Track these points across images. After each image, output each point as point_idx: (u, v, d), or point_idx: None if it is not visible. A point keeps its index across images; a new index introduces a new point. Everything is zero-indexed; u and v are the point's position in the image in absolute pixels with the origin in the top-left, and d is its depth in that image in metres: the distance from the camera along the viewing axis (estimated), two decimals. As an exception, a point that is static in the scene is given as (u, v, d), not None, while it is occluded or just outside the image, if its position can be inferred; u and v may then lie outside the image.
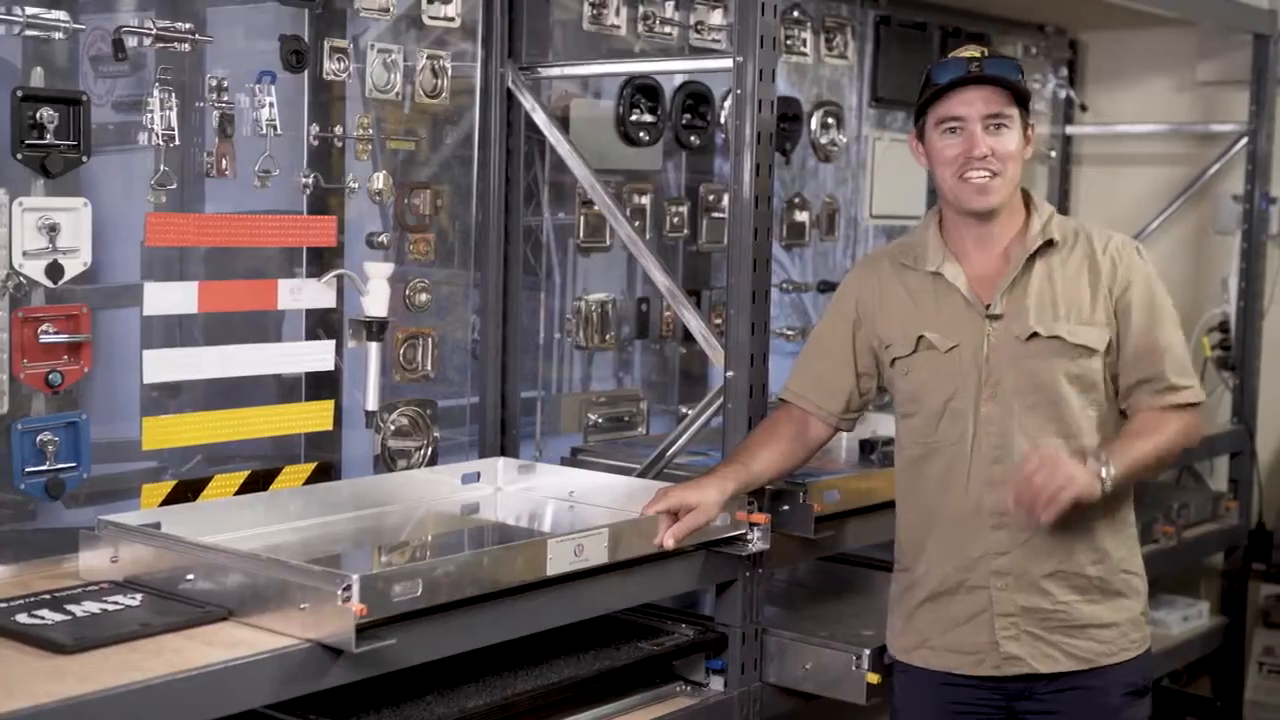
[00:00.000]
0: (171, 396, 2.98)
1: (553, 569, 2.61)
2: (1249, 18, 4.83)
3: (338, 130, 3.16)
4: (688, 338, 3.85)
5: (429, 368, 3.40)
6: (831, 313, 2.95)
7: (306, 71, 3.09)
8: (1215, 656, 4.97)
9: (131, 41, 2.79)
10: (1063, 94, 5.34)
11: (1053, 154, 5.34)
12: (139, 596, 2.45)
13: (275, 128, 3.00)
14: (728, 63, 3.03)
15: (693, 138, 3.94)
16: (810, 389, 2.92)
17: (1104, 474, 2.58)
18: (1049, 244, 2.72)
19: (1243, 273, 4.92)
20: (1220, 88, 5.15)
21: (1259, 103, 4.88)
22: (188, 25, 2.86)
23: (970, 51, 2.68)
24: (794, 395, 2.94)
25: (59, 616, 2.35)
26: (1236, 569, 4.98)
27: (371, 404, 3.18)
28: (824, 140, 4.42)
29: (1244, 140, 4.93)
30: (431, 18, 3.34)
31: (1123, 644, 2.74)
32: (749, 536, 2.94)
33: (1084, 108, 5.41)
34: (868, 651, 3.03)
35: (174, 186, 2.88)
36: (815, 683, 3.10)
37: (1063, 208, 5.22)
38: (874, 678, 3.02)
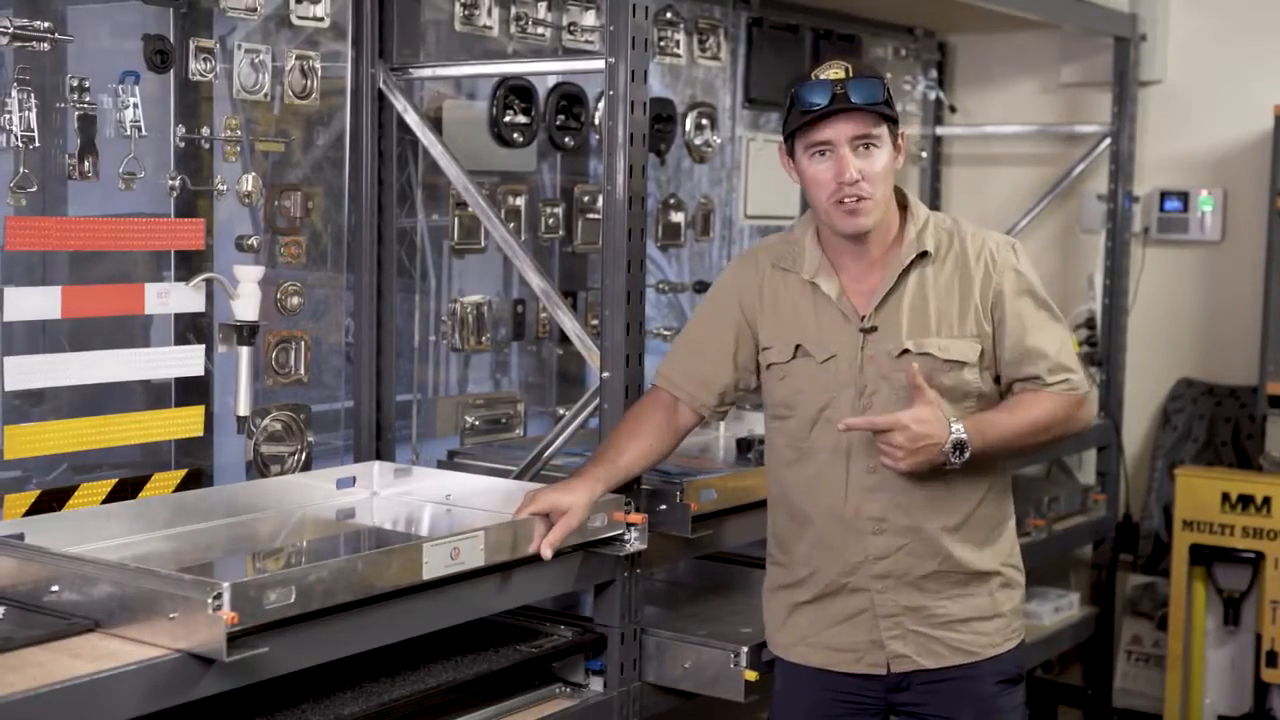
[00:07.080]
0: (35, 404, 2.91)
1: (428, 573, 2.59)
2: (1110, 21, 4.94)
3: (205, 131, 3.11)
4: (564, 339, 3.84)
5: (302, 372, 3.36)
6: (710, 309, 2.92)
7: (172, 72, 3.04)
8: (1086, 646, 5.08)
9: (-12, 40, 2.73)
10: (932, 95, 5.42)
11: (923, 154, 5.42)
12: (1, 610, 2.38)
13: (140, 129, 2.95)
14: (600, 64, 3.02)
15: (567, 139, 3.93)
16: (686, 380, 2.89)
17: (954, 429, 2.62)
18: (923, 255, 2.72)
19: (1108, 270, 5.04)
20: (1083, 89, 5.26)
21: (1120, 104, 4.99)
22: (47, 24, 2.80)
23: (834, 72, 2.61)
24: (669, 383, 2.91)
25: (-83, 632, 2.28)
26: (1105, 560, 5.09)
27: (243, 409, 3.14)
28: (698, 141, 4.44)
29: (1107, 141, 5.04)
30: (300, 17, 3.29)
31: (1006, 634, 2.79)
32: (626, 537, 2.95)
33: (953, 109, 5.49)
34: (745, 649, 3.06)
35: (35, 189, 2.82)
36: (694, 681, 3.11)
37: (934, 207, 5.24)
38: (752, 675, 3.05)
